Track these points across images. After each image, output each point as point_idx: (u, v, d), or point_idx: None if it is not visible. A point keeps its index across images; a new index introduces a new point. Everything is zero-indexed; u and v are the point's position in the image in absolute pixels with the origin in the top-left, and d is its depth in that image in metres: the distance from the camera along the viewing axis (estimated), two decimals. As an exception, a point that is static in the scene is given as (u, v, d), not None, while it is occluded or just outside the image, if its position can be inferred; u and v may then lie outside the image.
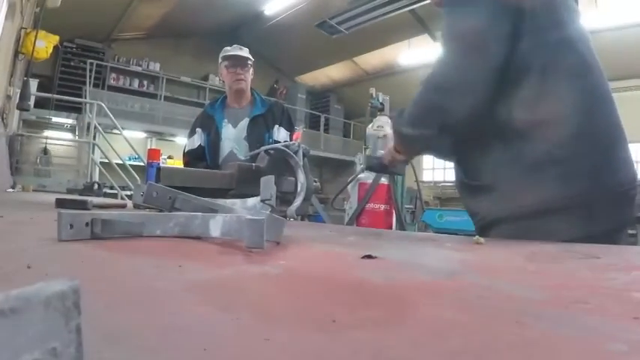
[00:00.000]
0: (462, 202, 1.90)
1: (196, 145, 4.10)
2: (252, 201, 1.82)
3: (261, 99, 4.25)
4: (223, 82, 4.27)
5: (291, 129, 4.17)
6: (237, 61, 4.14)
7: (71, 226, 1.04)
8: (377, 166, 2.40)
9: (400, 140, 1.93)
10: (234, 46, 4.27)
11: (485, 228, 1.70)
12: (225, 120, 4.10)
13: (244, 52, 4.19)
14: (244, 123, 4.04)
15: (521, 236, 1.50)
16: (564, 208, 1.52)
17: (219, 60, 4.24)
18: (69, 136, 16.43)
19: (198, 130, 4.12)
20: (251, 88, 4.25)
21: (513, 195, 1.60)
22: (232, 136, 4.04)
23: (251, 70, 4.22)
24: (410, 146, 1.96)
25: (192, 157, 4.09)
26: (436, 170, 21.39)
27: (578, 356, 0.43)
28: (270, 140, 3.98)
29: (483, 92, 1.57)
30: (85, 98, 14.51)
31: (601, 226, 1.52)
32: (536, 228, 1.53)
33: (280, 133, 4.05)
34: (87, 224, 1.07)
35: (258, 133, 3.98)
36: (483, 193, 1.69)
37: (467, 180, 1.76)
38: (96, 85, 16.85)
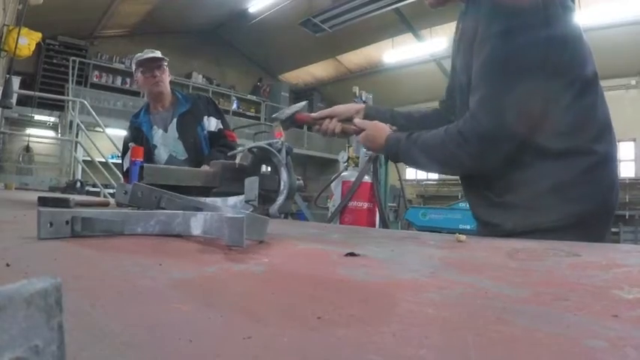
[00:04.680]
0: (475, 211, 1.90)
1: None
2: (233, 200, 1.81)
3: (184, 96, 4.18)
4: (141, 87, 4.17)
5: (220, 117, 4.13)
6: (152, 64, 4.02)
7: (51, 224, 1.03)
8: (287, 122, 2.35)
9: (401, 160, 1.93)
10: (145, 50, 4.15)
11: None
12: (155, 126, 4.03)
13: (157, 54, 4.08)
14: (174, 123, 4.00)
15: None
16: (572, 224, 1.60)
17: (133, 67, 4.13)
18: (51, 134, 16.32)
19: (131, 144, 3.89)
20: (172, 88, 4.17)
21: (540, 211, 1.63)
22: (166, 141, 3.99)
23: (167, 70, 4.11)
24: (410, 166, 2.00)
25: None
26: (419, 169, 21.45)
27: (559, 352, 0.43)
28: (204, 133, 3.98)
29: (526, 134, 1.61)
30: (68, 96, 14.42)
31: (594, 238, 1.58)
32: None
33: (211, 123, 4.03)
34: (67, 222, 1.07)
35: (190, 130, 3.95)
36: (509, 208, 1.70)
37: (494, 196, 1.76)
38: (79, 83, 16.75)
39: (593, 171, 1.62)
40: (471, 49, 1.66)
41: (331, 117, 2.18)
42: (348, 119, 2.14)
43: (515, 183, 1.67)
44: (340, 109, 2.21)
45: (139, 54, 4.11)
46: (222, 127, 4.09)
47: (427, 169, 1.96)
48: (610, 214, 1.72)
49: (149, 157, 3.86)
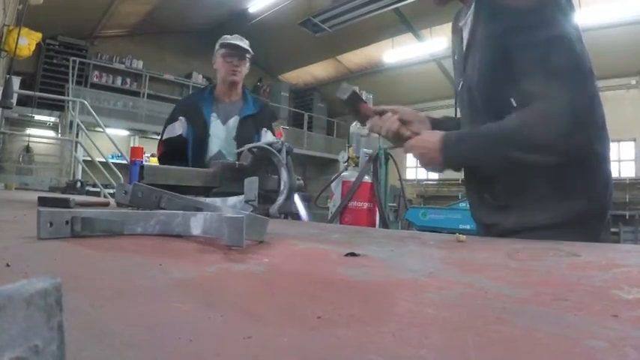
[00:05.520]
0: (474, 212, 1.91)
1: (177, 133, 3.77)
2: (233, 200, 1.81)
3: (254, 98, 4.01)
4: (216, 70, 3.92)
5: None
6: (236, 52, 3.83)
7: (51, 224, 1.03)
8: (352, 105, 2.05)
9: (463, 163, 1.82)
10: (235, 35, 3.92)
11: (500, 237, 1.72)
12: (214, 114, 3.79)
13: (244, 44, 3.86)
14: (234, 121, 3.78)
15: None
16: (569, 222, 1.62)
17: (216, 47, 3.91)
18: (51, 134, 16.36)
19: (182, 118, 3.79)
20: (243, 85, 4.01)
21: (538, 210, 1.65)
22: (221, 135, 3.74)
23: (247, 64, 3.92)
24: (474, 164, 1.82)
25: (170, 147, 3.80)
26: (419, 168, 21.44)
27: (559, 352, 0.43)
28: None
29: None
30: (68, 96, 14.43)
31: (591, 236, 1.61)
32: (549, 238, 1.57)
33: (267, 137, 3.75)
34: (67, 222, 1.06)
35: (247, 135, 3.67)
36: (509, 207, 1.71)
37: (493, 197, 1.76)
38: (79, 83, 16.79)
39: (591, 170, 1.65)
40: (490, 46, 1.67)
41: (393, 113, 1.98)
42: (408, 123, 1.95)
43: (516, 182, 1.68)
44: (405, 109, 2.02)
45: (228, 35, 3.94)
46: None
47: (501, 161, 1.73)
48: (605, 212, 1.73)
49: (201, 144, 3.69)
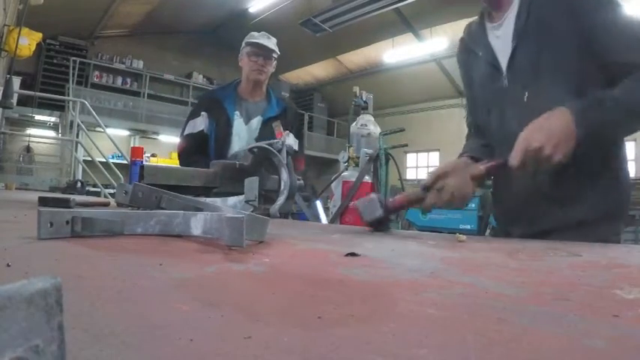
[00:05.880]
0: (519, 211, 1.86)
1: (198, 129, 3.56)
2: (233, 200, 1.81)
3: (277, 99, 3.85)
4: (241, 67, 3.81)
5: (299, 136, 3.64)
6: (262, 51, 3.70)
7: (51, 224, 1.03)
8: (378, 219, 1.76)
9: (605, 130, 1.57)
10: (262, 33, 3.81)
11: (545, 234, 1.68)
12: (237, 112, 3.63)
13: (271, 43, 3.74)
14: (257, 121, 3.62)
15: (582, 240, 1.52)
16: (616, 214, 1.82)
17: (242, 44, 3.80)
18: (52, 134, 16.36)
19: (204, 114, 3.59)
20: (268, 85, 3.88)
21: (593, 203, 1.72)
22: (244, 134, 3.58)
23: (274, 63, 3.80)
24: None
25: (191, 143, 3.59)
26: (419, 168, 21.46)
27: (559, 352, 0.43)
28: None
29: None
30: (68, 96, 14.43)
31: (618, 231, 1.82)
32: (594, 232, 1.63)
33: (289, 140, 3.58)
34: (67, 222, 1.07)
35: (269, 136, 3.43)
36: (567, 203, 1.73)
37: (549, 190, 1.74)
38: (79, 83, 16.79)
39: (623, 164, 1.78)
40: (557, 26, 1.67)
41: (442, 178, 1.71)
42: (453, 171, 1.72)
43: (573, 176, 1.68)
44: (435, 168, 1.78)
45: (255, 33, 3.83)
46: (296, 149, 3.68)
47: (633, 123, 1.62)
48: (627, 207, 1.89)
49: (223, 142, 3.56)
